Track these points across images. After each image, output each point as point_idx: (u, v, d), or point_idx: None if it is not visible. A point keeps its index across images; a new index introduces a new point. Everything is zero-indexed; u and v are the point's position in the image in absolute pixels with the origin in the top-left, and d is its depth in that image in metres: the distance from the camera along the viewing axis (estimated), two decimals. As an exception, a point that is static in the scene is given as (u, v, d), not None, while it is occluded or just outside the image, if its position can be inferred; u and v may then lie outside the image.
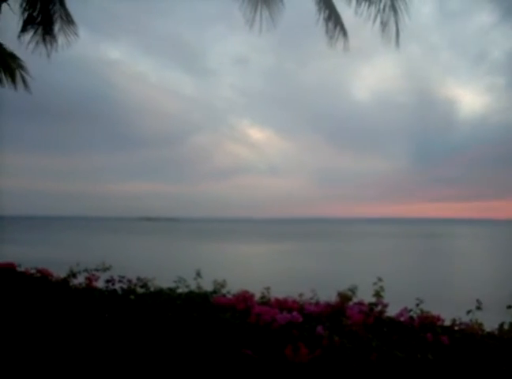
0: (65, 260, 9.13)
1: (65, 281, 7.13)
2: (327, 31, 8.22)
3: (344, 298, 5.21)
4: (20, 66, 10.98)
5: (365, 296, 5.25)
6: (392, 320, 4.79)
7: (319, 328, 4.27)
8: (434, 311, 4.90)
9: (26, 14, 9.18)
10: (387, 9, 7.74)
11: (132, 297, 6.05)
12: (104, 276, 6.91)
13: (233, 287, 6.01)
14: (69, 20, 9.69)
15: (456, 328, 4.69)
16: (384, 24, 7.76)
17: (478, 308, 4.80)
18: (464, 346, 4.18)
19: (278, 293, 5.77)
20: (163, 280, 6.60)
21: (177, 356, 4.74)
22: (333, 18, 8.18)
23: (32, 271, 7.78)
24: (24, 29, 9.28)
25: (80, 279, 7.12)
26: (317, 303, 5.31)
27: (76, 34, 9.87)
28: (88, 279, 7.01)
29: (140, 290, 6.29)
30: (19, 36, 9.37)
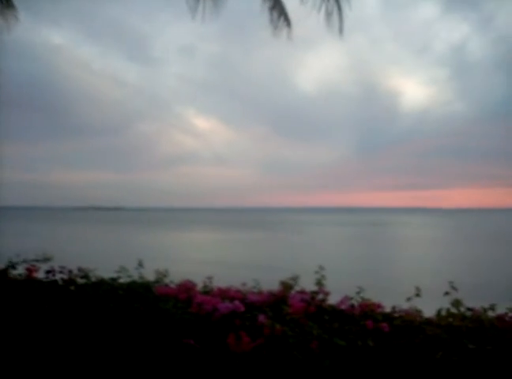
0: (4, 251, 8.90)
1: (3, 272, 6.94)
2: (271, 21, 8.15)
3: (286, 287, 5.24)
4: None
5: (308, 285, 5.29)
6: (333, 309, 4.84)
7: (261, 317, 4.28)
8: (376, 299, 4.99)
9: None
10: None
11: (72, 288, 5.94)
12: (45, 267, 6.76)
13: (176, 277, 5.98)
14: (8, 3, 9.38)
15: (396, 315, 4.78)
16: (329, 14, 7.75)
17: (417, 295, 4.91)
18: (404, 332, 4.26)
19: (221, 283, 5.76)
20: (105, 270, 6.50)
21: (117, 347, 4.69)
22: (277, 7, 8.13)
23: (-33, 261, 7.54)
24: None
25: (20, 270, 6.94)
26: (259, 292, 5.31)
27: (16, 18, 9.56)
28: (27, 270, 6.83)
29: (81, 281, 6.18)
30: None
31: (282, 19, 8.18)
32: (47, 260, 6.88)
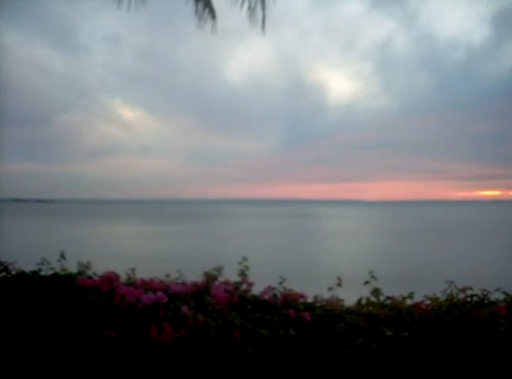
0: None
1: None
2: (196, 12, 8.04)
3: (210, 277, 5.27)
4: None
5: (233, 276, 5.33)
6: (256, 299, 4.91)
7: (184, 308, 4.30)
8: (298, 289, 5.08)
9: None
10: None
11: None
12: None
13: (100, 269, 5.91)
14: None
15: (317, 304, 4.89)
16: (251, 9, 7.71)
17: (339, 285, 5.03)
18: (325, 321, 4.36)
19: (147, 274, 5.74)
20: (26, 263, 6.34)
21: (38, 340, 4.60)
22: None
23: None
24: None
25: None
26: (183, 283, 5.33)
27: None
28: None
29: None
30: None
31: (207, 11, 8.07)
32: None
